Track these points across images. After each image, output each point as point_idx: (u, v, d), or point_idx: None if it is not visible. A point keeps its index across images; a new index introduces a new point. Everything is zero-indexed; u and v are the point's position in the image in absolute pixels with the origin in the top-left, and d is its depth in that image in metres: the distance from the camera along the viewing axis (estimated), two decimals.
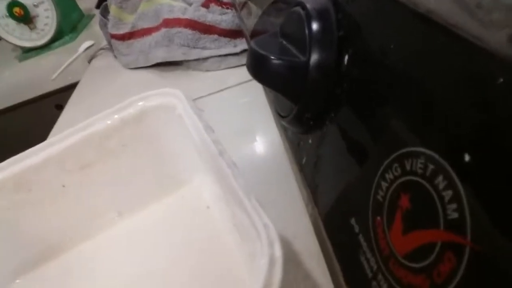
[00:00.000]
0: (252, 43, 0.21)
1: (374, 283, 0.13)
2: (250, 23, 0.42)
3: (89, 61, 0.71)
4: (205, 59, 0.50)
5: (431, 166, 0.11)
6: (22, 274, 0.21)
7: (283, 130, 0.25)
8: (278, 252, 0.11)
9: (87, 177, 0.21)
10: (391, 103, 0.13)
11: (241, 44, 0.50)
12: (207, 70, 0.50)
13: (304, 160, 0.21)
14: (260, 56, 0.19)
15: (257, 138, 0.37)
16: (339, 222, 0.17)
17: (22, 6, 0.93)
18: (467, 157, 0.10)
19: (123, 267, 0.22)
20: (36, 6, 0.95)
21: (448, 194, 0.10)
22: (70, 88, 0.77)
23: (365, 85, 0.15)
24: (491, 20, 0.09)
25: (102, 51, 0.71)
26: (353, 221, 0.15)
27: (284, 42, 0.21)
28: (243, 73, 0.48)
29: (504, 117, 0.09)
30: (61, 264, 0.22)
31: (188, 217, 0.22)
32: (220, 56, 0.50)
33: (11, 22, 0.96)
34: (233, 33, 0.50)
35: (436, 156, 0.11)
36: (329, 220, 0.18)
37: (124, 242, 0.23)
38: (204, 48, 0.50)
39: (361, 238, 0.15)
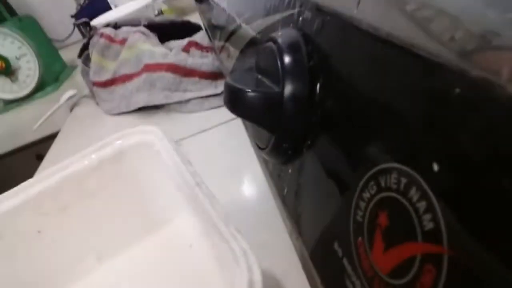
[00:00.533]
0: (228, 78, 0.21)
1: None
2: (229, 64, 0.43)
3: (71, 110, 0.71)
4: (187, 101, 0.51)
5: (403, 180, 0.11)
6: None
7: (264, 164, 0.26)
8: (257, 276, 0.10)
9: (64, 220, 0.21)
10: (361, 125, 0.14)
11: (222, 85, 0.51)
12: (190, 112, 0.51)
13: (285, 191, 0.21)
14: (235, 89, 0.20)
15: (243, 176, 0.37)
16: (323, 249, 0.16)
17: (4, 59, 0.94)
18: (435, 167, 0.10)
19: None
20: (18, 58, 0.96)
21: (422, 205, 0.10)
22: (51, 138, 0.76)
23: (337, 110, 0.16)
24: (441, 33, 0.10)
25: (83, 99, 0.72)
26: (336, 245, 0.15)
27: (259, 76, 0.22)
28: (226, 112, 0.49)
29: (462, 124, 0.09)
30: None
31: (170, 258, 0.22)
32: (202, 97, 0.51)
33: None
34: (214, 75, 0.52)
35: (407, 169, 0.11)
36: (314, 248, 0.18)
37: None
38: (185, 90, 0.51)
39: (345, 261, 0.14)
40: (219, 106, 0.50)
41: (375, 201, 0.13)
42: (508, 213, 0.08)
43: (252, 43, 0.30)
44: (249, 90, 0.19)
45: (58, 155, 0.57)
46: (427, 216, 0.10)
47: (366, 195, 0.13)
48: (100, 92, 0.60)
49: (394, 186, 0.12)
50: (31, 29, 1.03)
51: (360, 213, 0.13)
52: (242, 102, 0.19)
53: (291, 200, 0.20)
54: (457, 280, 0.09)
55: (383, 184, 0.12)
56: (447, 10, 0.11)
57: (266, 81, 0.20)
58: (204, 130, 0.47)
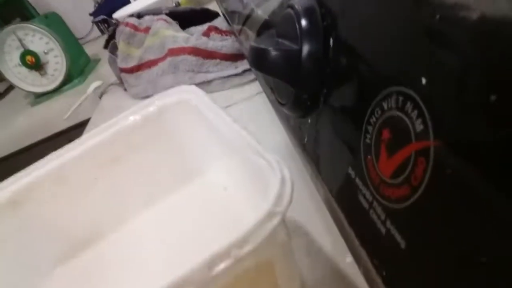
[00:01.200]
0: (252, 42, 0.24)
1: (371, 211, 0.16)
2: (248, 45, 0.46)
3: (100, 97, 0.75)
4: (210, 81, 0.54)
5: (401, 98, 0.14)
6: (61, 263, 0.24)
7: (286, 121, 0.29)
8: (288, 174, 0.13)
9: (116, 170, 0.24)
10: (367, 67, 0.17)
11: (242, 65, 0.54)
12: (212, 92, 0.54)
13: (305, 139, 0.24)
14: (260, 50, 0.23)
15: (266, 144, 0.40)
16: (339, 176, 0.19)
17: (34, 54, 0.99)
18: (423, 80, 0.13)
19: (152, 252, 0.24)
20: (46, 53, 1.01)
21: (415, 113, 0.13)
22: (82, 125, 0.81)
23: (346, 60, 0.19)
24: None
25: (111, 86, 0.76)
26: (350, 169, 0.18)
27: (280, 40, 0.25)
28: (246, 91, 0.52)
29: (441, 43, 0.12)
30: (96, 253, 0.24)
31: (208, 200, 0.25)
32: (223, 78, 0.54)
33: (23, 70, 1.02)
34: (234, 57, 0.55)
35: (403, 88, 0.14)
36: (331, 179, 0.21)
37: (151, 230, 0.25)
38: (207, 71, 0.54)
39: (357, 181, 0.17)
40: (239, 85, 0.53)
41: (380, 122, 0.15)
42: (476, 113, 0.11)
43: (266, 25, 0.33)
44: (272, 49, 0.22)
45: None
46: (419, 121, 0.13)
47: (373, 119, 0.16)
48: (128, 77, 0.63)
49: (394, 105, 0.14)
50: (57, 26, 1.08)
51: (368, 136, 0.16)
52: (266, 60, 0.22)
53: (310, 145, 0.23)
54: (442, 166, 0.12)
55: (386, 107, 0.15)
56: None
57: (286, 43, 0.23)
58: (226, 107, 0.50)
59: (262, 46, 0.23)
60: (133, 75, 0.63)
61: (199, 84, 0.55)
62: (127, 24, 0.64)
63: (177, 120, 0.24)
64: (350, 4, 0.19)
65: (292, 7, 0.23)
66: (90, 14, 1.51)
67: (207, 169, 0.26)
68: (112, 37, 0.70)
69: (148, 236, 0.25)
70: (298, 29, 0.22)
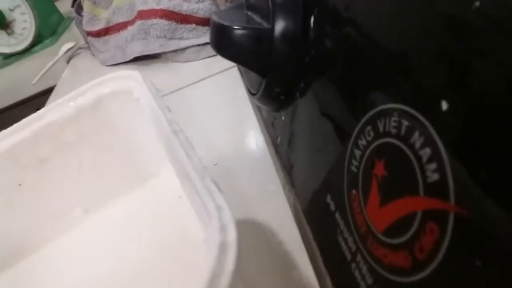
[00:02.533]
0: (214, 15, 0.19)
1: (353, 265, 0.12)
2: (226, 8, 0.40)
3: (68, 62, 0.69)
4: (184, 49, 0.48)
5: (405, 123, 0.09)
6: None
7: (258, 111, 0.24)
8: (231, 236, 0.09)
9: (46, 172, 0.20)
10: (359, 62, 0.12)
11: None
12: (187, 61, 0.48)
13: (278, 140, 0.20)
14: (221, 27, 0.17)
15: (240, 126, 0.35)
16: (316, 202, 0.15)
17: None
18: (444, 106, 0.08)
19: (91, 267, 0.20)
20: (12, 10, 0.92)
21: (426, 152, 0.09)
22: (50, 91, 0.75)
23: (332, 47, 0.14)
24: None
25: (80, 50, 0.69)
26: (329, 198, 0.14)
27: (249, 13, 0.19)
28: (224, 61, 0.46)
29: (480, 49, 0.07)
30: (24, 269, 0.20)
31: (158, 209, 0.21)
32: (198, 45, 0.48)
33: None
34: None
35: (409, 109, 0.09)
36: (306, 201, 0.16)
37: (91, 241, 0.21)
38: (181, 38, 0.48)
39: (337, 216, 0.13)
40: (216, 55, 0.47)
41: (372, 149, 0.11)
42: None
43: None
44: (236, 27, 0.17)
45: None
46: (432, 166, 0.08)
47: (362, 142, 0.11)
48: (95, 42, 0.57)
49: (394, 131, 0.10)
50: None
51: (355, 162, 0.12)
52: (229, 41, 0.17)
53: (283, 150, 0.19)
54: (464, 243, 0.07)
55: (381, 128, 0.10)
56: None
57: (256, 18, 0.18)
58: (202, 79, 0.44)
59: (224, 22, 0.17)
60: (100, 39, 0.56)
61: (172, 52, 0.49)
62: None
63: (119, 113, 0.20)
64: None
65: None
66: None
67: (157, 173, 0.22)
68: None
69: (86, 249, 0.20)
70: (270, 1, 0.16)
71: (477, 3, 0.07)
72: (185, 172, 0.11)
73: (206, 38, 0.47)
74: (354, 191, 0.12)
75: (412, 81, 0.09)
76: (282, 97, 0.18)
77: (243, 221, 0.24)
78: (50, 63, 0.84)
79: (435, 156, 0.08)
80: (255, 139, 0.31)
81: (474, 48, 0.07)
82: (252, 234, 0.23)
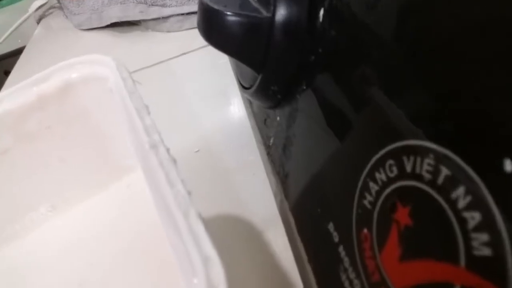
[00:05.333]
0: None
1: None
2: None
3: (38, 22, 0.63)
4: (166, 18, 0.44)
5: (445, 171, 0.07)
6: None
7: (248, 103, 0.21)
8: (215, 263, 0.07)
9: (5, 165, 0.17)
10: (384, 73, 0.10)
11: None
12: (168, 31, 0.45)
13: (271, 141, 0.18)
14: (212, 11, 0.15)
15: (226, 107, 0.33)
16: (314, 226, 0.13)
17: None
18: (509, 166, 0.06)
19: (57, 271, 0.18)
20: None
21: (473, 216, 0.07)
22: (19, 53, 0.69)
23: (347, 48, 0.11)
24: None
25: (53, 9, 0.64)
26: (331, 227, 0.12)
27: None
28: None
29: None
30: None
31: (133, 209, 0.19)
32: (182, 14, 0.44)
33: None
34: None
35: (455, 157, 0.07)
36: (302, 219, 0.14)
37: (59, 241, 0.19)
38: (164, 5, 0.44)
39: (341, 250, 0.11)
40: None
41: (394, 188, 0.09)
42: None
43: None
44: (229, 13, 0.14)
45: (25, 73, 0.52)
46: (482, 237, 0.07)
47: (381, 176, 0.09)
48: (68, 3, 0.52)
49: (427, 176, 0.08)
50: None
51: (369, 197, 0.10)
52: (220, 28, 0.15)
53: (277, 154, 0.17)
54: None
55: (408, 168, 0.08)
56: None
57: (254, 3, 0.15)
58: (184, 53, 0.41)
59: (216, 5, 0.15)
60: (74, 1, 0.51)
61: (153, 20, 0.45)
62: None
63: (90, 101, 0.17)
64: None
65: None
66: None
67: (134, 168, 0.19)
68: None
69: (53, 251, 0.18)
70: None
71: None
72: (164, 202, 0.09)
73: (191, 7, 0.43)
74: (365, 230, 0.10)
75: (463, 119, 0.07)
76: (279, 96, 0.15)
77: (226, 217, 0.23)
78: (18, 22, 0.78)
79: (488, 225, 0.07)
80: (241, 123, 0.29)
81: None
82: (234, 230, 0.21)
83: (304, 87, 0.14)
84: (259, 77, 0.15)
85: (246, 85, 0.17)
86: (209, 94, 0.35)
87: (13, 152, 0.17)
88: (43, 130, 0.17)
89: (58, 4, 0.62)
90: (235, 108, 0.31)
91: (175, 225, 0.09)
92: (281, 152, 0.16)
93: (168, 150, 0.12)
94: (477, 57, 0.07)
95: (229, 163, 0.26)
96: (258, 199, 0.22)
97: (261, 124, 0.19)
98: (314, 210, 0.13)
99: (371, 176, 0.10)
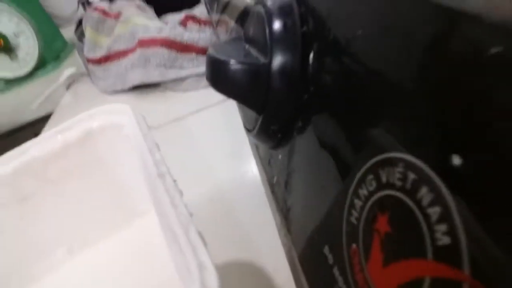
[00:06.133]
0: (210, 49, 0.18)
1: None
2: (226, 38, 0.40)
3: (67, 88, 0.69)
4: (183, 79, 0.48)
5: (411, 176, 0.08)
6: None
7: (255, 148, 0.23)
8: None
9: (26, 211, 0.18)
10: (361, 101, 0.11)
11: None
12: (186, 90, 0.48)
13: (275, 179, 0.19)
14: (216, 61, 0.17)
15: (236, 160, 0.34)
16: (312, 251, 0.14)
17: (2, 36, 0.91)
18: (456, 160, 0.07)
19: None
20: (16, 36, 0.94)
21: (435, 211, 0.08)
22: (49, 117, 0.74)
23: (333, 85, 0.13)
24: None
25: (81, 77, 0.69)
26: (326, 249, 0.12)
27: (247, 46, 0.19)
28: None
29: (503, 98, 0.06)
30: None
31: (146, 251, 0.19)
32: (198, 75, 0.48)
33: None
34: None
35: (417, 161, 0.08)
36: (303, 250, 0.15)
37: (75, 283, 0.19)
38: (181, 67, 0.48)
39: (335, 271, 0.12)
40: None
41: (374, 200, 0.10)
42: None
43: (246, 11, 0.27)
44: (231, 62, 0.16)
45: None
46: (442, 227, 0.07)
47: (363, 191, 0.10)
48: (95, 69, 0.57)
49: (399, 183, 0.09)
50: (30, 6, 1.00)
51: (355, 213, 0.11)
52: (224, 76, 0.17)
53: (280, 191, 0.18)
54: None
55: (384, 179, 0.09)
56: None
57: (254, 52, 0.17)
58: (201, 110, 0.44)
59: (220, 56, 0.17)
60: (101, 67, 0.56)
61: (171, 81, 0.49)
62: (95, 9, 0.57)
63: (107, 149, 0.19)
64: (342, 5, 0.13)
65: (263, 3, 0.17)
66: None
67: (146, 212, 0.21)
68: (82, 21, 0.63)
69: None
70: (268, 35, 0.16)
71: (494, 50, 0.06)
72: (167, 221, 0.10)
73: None
74: (354, 245, 0.11)
75: (420, 128, 0.08)
76: (279, 135, 0.17)
77: (234, 262, 0.23)
78: (51, 89, 0.85)
79: (446, 216, 0.07)
80: (252, 175, 0.30)
81: (491, 94, 0.07)
82: (245, 277, 0.22)
83: (300, 124, 0.15)
84: (260, 118, 0.17)
85: (250, 127, 0.19)
86: (223, 147, 0.36)
87: (35, 197, 0.19)
88: (64, 175, 0.19)
89: (86, 72, 0.67)
90: (246, 159, 0.33)
91: (176, 238, 0.10)
92: (283, 188, 0.17)
93: (175, 181, 0.13)
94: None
95: (241, 212, 0.26)
96: (269, 246, 0.22)
97: (266, 166, 0.20)
98: (312, 237, 0.14)
99: (355, 193, 0.11)
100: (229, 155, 0.35)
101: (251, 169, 0.30)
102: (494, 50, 0.06)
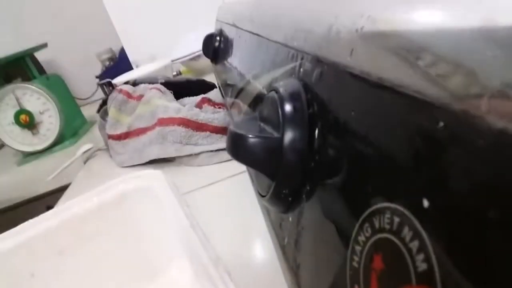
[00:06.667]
0: (231, 125, 0.22)
1: None
2: (239, 119, 0.44)
3: (85, 162, 0.73)
4: (197, 154, 0.52)
5: (396, 219, 0.11)
6: None
7: (267, 214, 0.25)
8: None
9: (60, 264, 0.20)
10: (356, 168, 0.14)
11: None
12: (199, 165, 0.51)
13: (285, 241, 0.21)
14: (237, 135, 0.20)
15: (247, 231, 0.36)
16: None
17: (29, 114, 0.98)
18: (425, 203, 0.10)
19: None
20: (41, 113, 1.01)
21: (415, 245, 0.10)
22: (63, 189, 0.77)
23: (333, 155, 0.16)
24: (432, 73, 0.10)
25: (98, 152, 0.74)
26: None
27: (262, 124, 0.22)
28: (233, 167, 0.49)
29: (446, 157, 0.09)
30: None
31: None
32: (211, 151, 0.51)
33: (16, 128, 1.01)
34: (225, 130, 0.53)
35: (399, 207, 0.11)
36: None
37: None
38: (196, 144, 0.52)
39: None
40: (228, 160, 0.50)
41: (370, 244, 0.12)
42: (499, 248, 0.08)
43: (259, 97, 0.31)
44: (250, 136, 0.19)
45: (66, 207, 0.58)
46: (420, 256, 0.10)
47: (362, 238, 0.13)
48: (114, 144, 0.61)
49: (388, 227, 0.11)
50: (57, 87, 1.09)
51: (356, 258, 0.13)
52: (243, 147, 0.20)
53: (290, 250, 0.20)
54: None
55: (377, 225, 0.12)
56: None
57: (268, 129, 0.21)
58: (212, 183, 0.47)
59: (241, 131, 0.20)
60: (120, 143, 0.60)
61: (186, 156, 0.52)
62: (120, 91, 0.63)
63: (137, 209, 0.21)
64: (340, 91, 0.16)
65: (276, 90, 0.21)
66: (97, 77, 1.55)
67: (167, 269, 0.22)
68: (105, 102, 0.69)
69: None
70: (280, 115, 0.19)
71: (441, 124, 0.09)
72: (200, 261, 0.12)
73: (219, 145, 0.51)
74: (356, 286, 0.13)
75: (399, 183, 0.11)
76: (290, 199, 0.19)
77: None
78: (67, 163, 0.89)
79: (422, 247, 0.10)
80: (262, 245, 0.32)
81: (442, 155, 0.09)
82: None
83: (308, 188, 0.18)
84: (273, 184, 0.20)
85: (263, 193, 0.21)
86: (232, 215, 0.38)
87: (68, 251, 0.21)
88: (98, 232, 0.21)
89: (104, 147, 0.72)
90: (256, 234, 0.35)
91: (208, 273, 0.12)
92: (293, 246, 0.19)
93: (203, 233, 0.15)
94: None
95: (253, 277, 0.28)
96: None
97: (278, 228, 0.23)
98: (320, 286, 0.16)
99: (356, 241, 0.13)
100: (238, 228, 0.37)
101: (260, 241, 0.32)
102: (441, 124, 0.09)
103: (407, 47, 0.12)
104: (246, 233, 0.35)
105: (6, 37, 1.42)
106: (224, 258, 0.33)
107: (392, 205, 0.11)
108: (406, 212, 0.10)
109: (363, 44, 0.15)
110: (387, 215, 0.11)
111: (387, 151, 0.12)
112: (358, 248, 0.13)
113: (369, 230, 0.12)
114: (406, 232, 0.10)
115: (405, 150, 0.11)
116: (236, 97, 0.46)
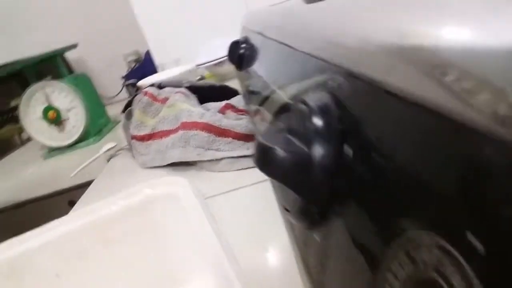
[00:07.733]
0: (259, 136, 0.21)
1: None
2: (262, 127, 0.44)
3: (108, 160, 0.74)
4: (219, 160, 0.52)
5: (436, 252, 0.10)
6: None
7: (291, 229, 0.25)
8: None
9: (84, 265, 0.20)
10: (390, 191, 0.13)
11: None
12: (220, 171, 0.51)
13: (310, 260, 0.20)
14: (266, 148, 0.20)
15: (267, 240, 0.35)
16: None
17: (56, 110, 1.01)
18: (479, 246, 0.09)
19: None
20: (68, 110, 1.03)
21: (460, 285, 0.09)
22: (85, 186, 0.79)
23: (365, 175, 0.15)
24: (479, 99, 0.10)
25: (121, 151, 0.75)
26: None
27: (290, 137, 0.22)
28: (254, 174, 0.49)
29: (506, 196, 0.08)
30: None
31: None
32: (233, 158, 0.51)
33: (44, 123, 1.04)
34: (247, 137, 0.53)
35: (441, 241, 0.10)
36: None
37: None
38: (218, 150, 0.52)
39: None
40: (248, 167, 0.50)
41: (406, 276, 0.11)
42: None
43: (285, 107, 0.31)
44: (279, 149, 0.19)
45: (88, 203, 0.58)
46: None
47: (395, 267, 0.12)
48: (138, 145, 0.62)
49: (427, 260, 0.11)
50: (84, 86, 1.12)
51: (388, 287, 0.12)
52: (272, 161, 0.19)
53: (315, 270, 0.19)
54: None
55: (414, 255, 0.11)
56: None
57: (295, 141, 0.20)
58: (232, 190, 0.46)
59: (269, 143, 0.20)
60: (143, 144, 0.61)
61: (207, 162, 0.52)
62: (146, 93, 0.64)
63: (162, 216, 0.21)
64: (374, 109, 0.16)
65: (305, 103, 0.20)
66: (122, 77, 1.58)
67: (187, 281, 0.22)
68: (130, 103, 0.70)
69: None
70: (310, 129, 0.19)
71: (488, 150, 0.09)
72: (224, 274, 0.12)
73: (241, 152, 0.51)
74: None
75: (441, 213, 0.10)
76: (317, 216, 0.19)
77: None
78: (90, 160, 0.91)
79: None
80: (283, 258, 0.31)
81: (501, 194, 0.09)
82: None
83: (336, 208, 0.17)
84: (301, 199, 0.19)
85: (289, 208, 0.21)
86: (252, 224, 0.38)
87: (92, 253, 0.21)
88: (122, 236, 0.21)
89: (127, 147, 0.73)
90: (278, 246, 0.34)
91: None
92: (319, 266, 0.19)
93: (230, 247, 0.15)
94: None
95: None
96: None
97: (302, 245, 0.22)
98: None
99: (388, 268, 0.12)
100: (258, 236, 0.37)
101: (281, 252, 0.32)
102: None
103: (449, 67, 0.11)
104: (267, 245, 0.34)
105: (39, 37, 1.47)
106: (243, 268, 0.33)
107: (430, 236, 0.10)
108: (449, 247, 0.10)
109: (402, 61, 0.14)
110: (424, 247, 0.11)
111: (426, 175, 0.11)
112: (390, 276, 0.12)
113: (405, 259, 0.12)
114: (448, 270, 0.10)
115: (450, 176, 0.10)
116: (260, 105, 0.46)
